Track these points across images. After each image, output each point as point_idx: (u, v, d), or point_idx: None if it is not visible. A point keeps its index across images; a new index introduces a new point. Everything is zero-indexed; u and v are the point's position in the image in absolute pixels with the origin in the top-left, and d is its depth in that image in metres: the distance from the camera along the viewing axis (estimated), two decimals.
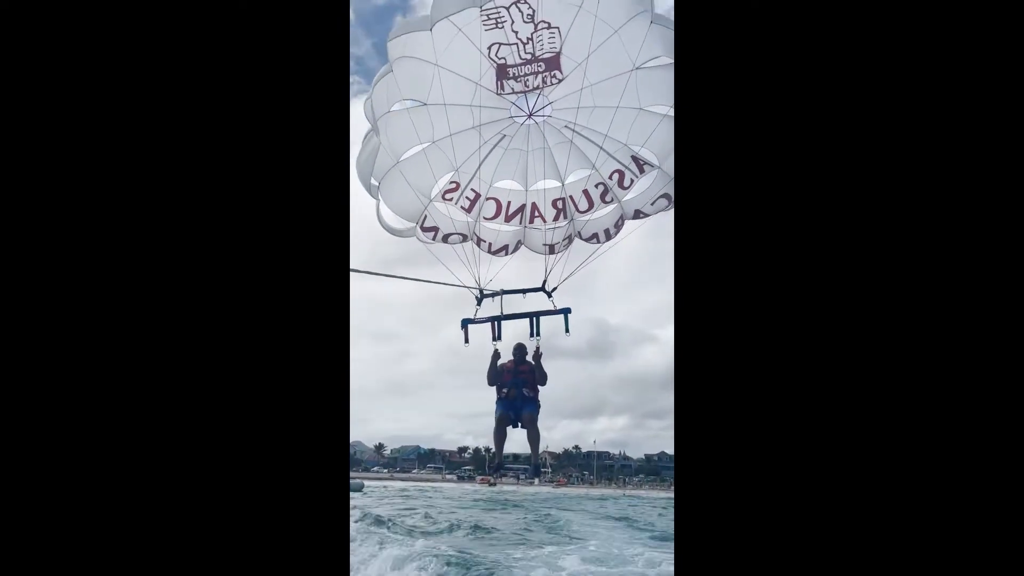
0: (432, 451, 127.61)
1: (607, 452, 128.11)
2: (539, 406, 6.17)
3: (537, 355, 6.13)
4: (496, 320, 6.15)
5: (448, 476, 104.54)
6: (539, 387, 6.14)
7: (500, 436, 6.25)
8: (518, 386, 6.16)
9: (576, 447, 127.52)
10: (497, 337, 6.13)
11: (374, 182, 6.53)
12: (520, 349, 6.21)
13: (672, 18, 5.84)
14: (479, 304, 6.06)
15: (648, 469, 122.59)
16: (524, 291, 6.19)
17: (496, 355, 6.22)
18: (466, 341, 6.05)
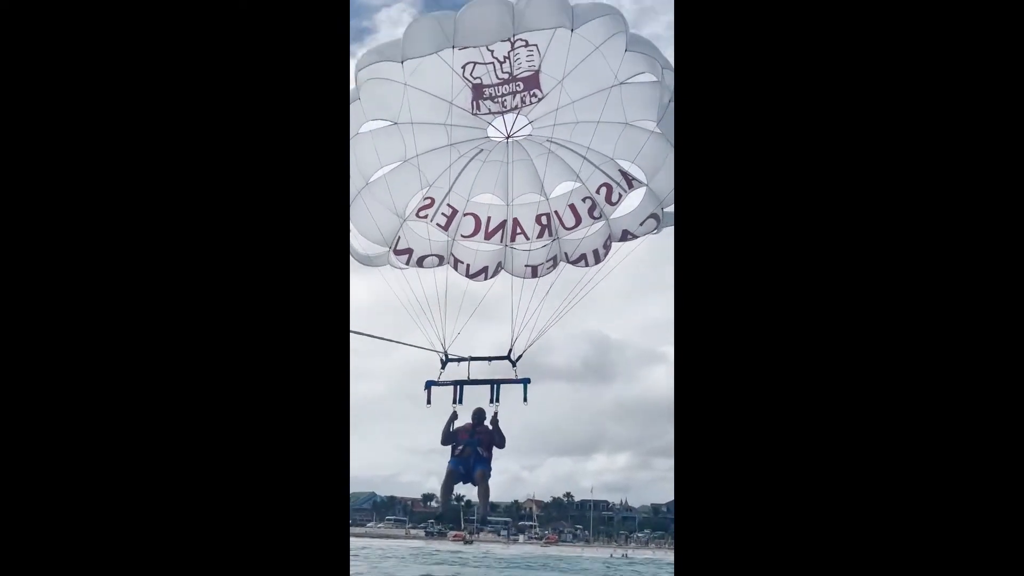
0: (391, 499, 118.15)
1: (605, 501, 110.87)
2: (491, 469, 6.62)
3: (494, 420, 6.63)
4: (459, 384, 6.59)
5: (413, 531, 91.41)
6: (496, 448, 6.59)
7: (447, 489, 6.82)
8: (473, 445, 6.57)
9: (568, 495, 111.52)
10: (458, 400, 6.54)
11: None
12: (479, 413, 6.68)
13: (647, 39, 5.76)
14: (443, 367, 6.52)
15: (655, 523, 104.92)
16: (489, 359, 6.66)
17: (453, 416, 6.65)
18: (428, 402, 6.52)
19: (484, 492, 6.42)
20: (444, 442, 6.45)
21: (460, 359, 6.53)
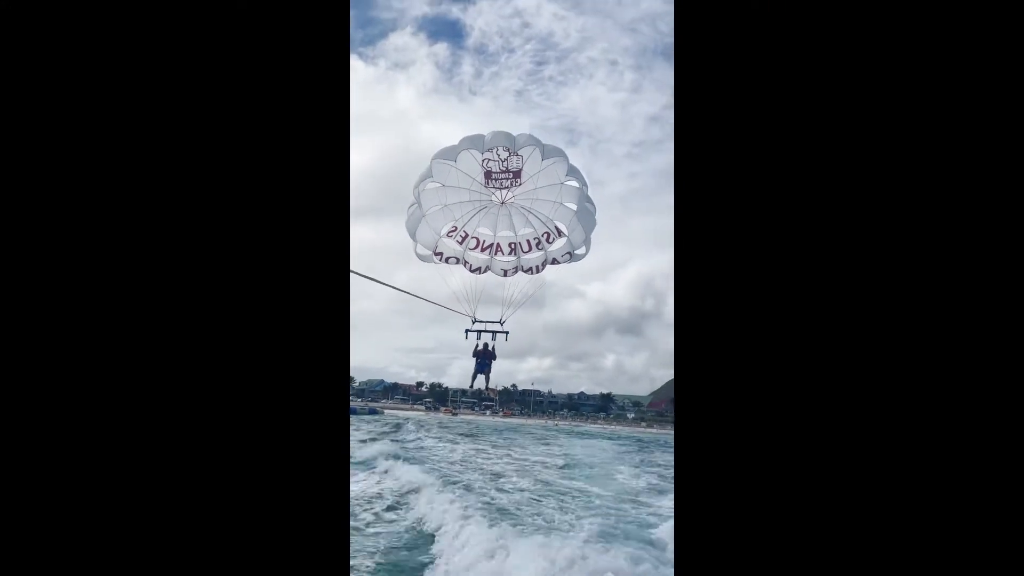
0: (395, 384, 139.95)
1: (538, 390, 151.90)
2: (491, 370, 12.44)
3: (493, 348, 12.14)
4: (479, 332, 11.88)
5: (416, 406, 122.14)
6: (492, 361, 12.29)
7: (473, 377, 12.52)
8: (483, 357, 12.11)
9: (513, 385, 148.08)
10: (479, 339, 11.96)
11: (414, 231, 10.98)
12: (487, 346, 12.19)
13: (576, 167, 10.40)
14: (473, 324, 11.78)
15: (570, 405, 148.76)
16: (491, 322, 11.82)
17: (476, 346, 12.17)
18: (466, 338, 11.90)
19: (488, 374, 12.31)
20: (473, 355, 12.26)
21: (481, 321, 11.89)
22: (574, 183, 10.52)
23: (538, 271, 11.34)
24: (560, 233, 11.22)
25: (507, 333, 11.94)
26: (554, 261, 11.30)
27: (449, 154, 10.35)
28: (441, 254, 11.28)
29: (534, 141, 10.24)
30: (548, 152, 10.20)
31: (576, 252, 11.07)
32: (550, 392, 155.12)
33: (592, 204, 10.79)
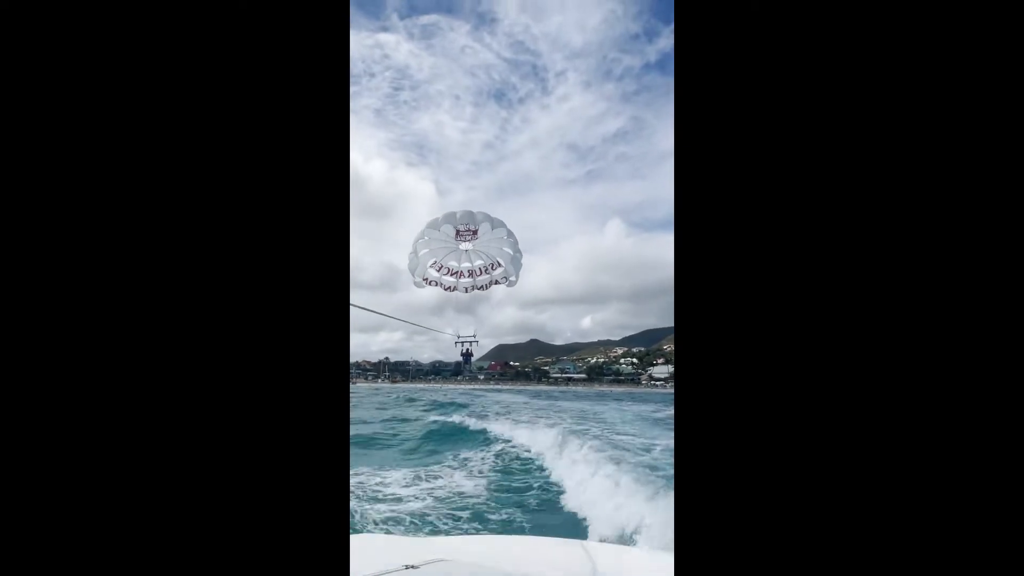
0: None
1: (406, 361, 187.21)
2: (471, 360, 17.18)
3: (471, 350, 16.91)
4: (463, 341, 16.74)
5: None
6: (472, 356, 16.98)
7: (463, 364, 17.17)
8: (467, 356, 16.86)
9: (387, 358, 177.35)
10: (463, 346, 16.64)
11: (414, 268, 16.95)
12: (468, 349, 16.96)
13: (510, 230, 17.29)
14: (457, 337, 16.39)
15: (434, 371, 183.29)
16: (469, 336, 16.81)
17: (461, 350, 16.73)
18: (455, 345, 16.58)
19: (469, 364, 16.25)
20: (460, 355, 16.28)
21: (462, 336, 16.77)
22: (512, 240, 17.49)
23: (486, 288, 18.19)
24: (500, 265, 18.17)
25: (477, 341, 18.08)
26: (496, 283, 18.25)
27: (434, 224, 16.64)
28: (427, 279, 17.50)
29: (488, 217, 16.95)
30: (495, 223, 16.96)
31: (510, 279, 18.06)
32: (416, 361, 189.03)
33: (520, 253, 17.83)
